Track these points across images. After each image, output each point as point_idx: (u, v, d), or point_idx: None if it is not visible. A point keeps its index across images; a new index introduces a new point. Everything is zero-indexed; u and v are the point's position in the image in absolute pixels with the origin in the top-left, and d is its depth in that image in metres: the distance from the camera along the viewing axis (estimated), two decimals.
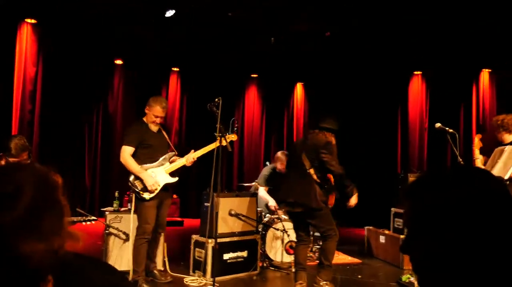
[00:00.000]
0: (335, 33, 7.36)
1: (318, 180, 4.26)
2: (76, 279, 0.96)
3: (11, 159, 3.54)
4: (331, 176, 4.47)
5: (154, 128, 4.56)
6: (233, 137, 4.85)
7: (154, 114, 4.49)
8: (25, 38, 6.91)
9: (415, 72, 8.87)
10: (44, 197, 0.84)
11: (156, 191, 4.39)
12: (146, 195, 4.34)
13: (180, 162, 4.60)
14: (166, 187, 4.53)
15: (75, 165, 8.20)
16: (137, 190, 4.35)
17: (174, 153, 4.66)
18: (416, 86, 8.90)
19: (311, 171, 4.28)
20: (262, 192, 5.97)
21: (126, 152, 4.40)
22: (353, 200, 4.35)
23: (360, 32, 7.29)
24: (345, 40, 7.68)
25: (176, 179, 4.59)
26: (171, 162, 4.60)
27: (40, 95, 7.24)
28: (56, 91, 7.55)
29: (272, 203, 5.77)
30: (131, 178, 4.39)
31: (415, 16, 6.54)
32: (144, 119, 4.58)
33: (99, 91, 8.58)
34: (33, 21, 6.94)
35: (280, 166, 5.96)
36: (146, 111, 4.54)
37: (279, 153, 6.15)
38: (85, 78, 8.14)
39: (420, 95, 8.82)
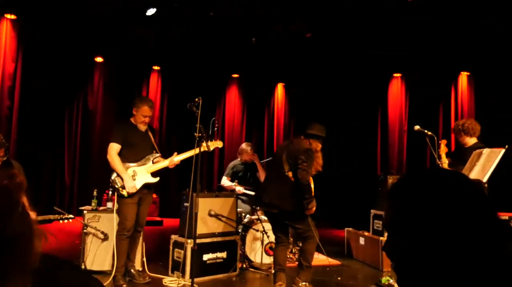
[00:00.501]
0: (315, 34, 7.42)
1: (295, 183, 4.28)
2: (44, 280, 0.94)
3: None
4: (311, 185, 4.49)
5: (143, 128, 4.64)
6: (218, 144, 4.91)
7: (143, 114, 4.57)
8: (4, 34, 6.79)
9: (395, 74, 8.99)
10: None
11: (135, 189, 4.45)
12: (125, 192, 4.39)
13: (163, 164, 4.67)
14: (149, 186, 4.59)
15: (54, 163, 8.08)
16: (116, 187, 4.41)
17: (158, 154, 4.70)
18: (396, 88, 9.01)
19: (289, 174, 4.30)
20: (224, 180, 6.23)
21: (113, 150, 4.48)
22: (309, 212, 4.34)
23: (341, 34, 7.37)
24: (325, 41, 7.76)
25: (157, 179, 4.66)
26: (154, 163, 4.64)
27: (19, 91, 7.12)
28: (35, 87, 7.43)
29: (239, 189, 6.02)
30: (113, 175, 4.46)
31: (394, 19, 6.64)
32: (132, 120, 4.63)
33: (79, 88, 8.47)
34: (12, 16, 6.83)
35: (245, 157, 6.21)
36: (134, 112, 4.61)
37: (243, 145, 6.38)
38: (65, 75, 8.03)
39: (400, 97, 8.94)
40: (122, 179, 4.42)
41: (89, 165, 8.41)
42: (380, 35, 7.28)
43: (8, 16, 6.79)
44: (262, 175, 6.38)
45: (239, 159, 6.39)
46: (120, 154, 4.52)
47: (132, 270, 4.65)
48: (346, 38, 7.55)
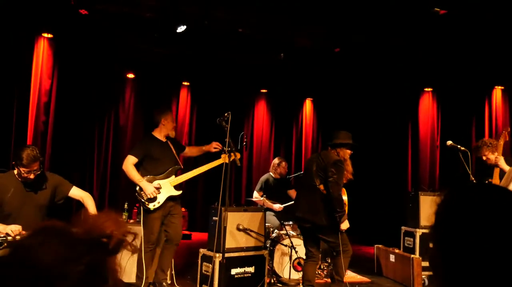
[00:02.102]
0: (344, 49, 7.40)
1: (327, 196, 4.24)
2: None
3: (22, 169, 3.58)
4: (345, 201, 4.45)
5: (173, 134, 4.83)
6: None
7: (173, 120, 4.78)
8: (42, 52, 7.05)
9: (426, 89, 8.84)
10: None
11: (159, 203, 4.48)
12: (151, 206, 4.44)
13: (185, 176, 4.77)
14: (174, 198, 4.63)
15: (85, 177, 8.25)
16: (142, 200, 4.44)
17: (180, 167, 4.75)
18: (427, 103, 8.85)
19: (321, 187, 4.27)
20: (256, 194, 6.31)
21: (129, 161, 4.56)
22: (343, 226, 4.28)
23: (370, 48, 7.32)
24: (354, 56, 7.72)
25: (180, 192, 4.72)
26: (177, 175, 4.71)
27: (54, 107, 7.34)
28: (70, 103, 7.65)
29: (279, 206, 6.16)
30: (137, 188, 4.51)
31: (425, 31, 6.55)
32: (156, 134, 4.70)
33: (110, 104, 8.67)
34: (49, 35, 7.09)
35: (282, 171, 6.39)
36: (164, 122, 4.71)
37: (277, 159, 6.52)
38: (98, 91, 8.25)
39: (431, 112, 8.77)
40: (141, 189, 4.46)
41: (120, 179, 8.55)
42: (410, 49, 7.20)
43: (45, 35, 7.06)
44: (292, 193, 6.45)
45: (271, 173, 6.41)
46: (143, 167, 4.59)
47: (164, 283, 4.66)
48: (375, 52, 7.50)
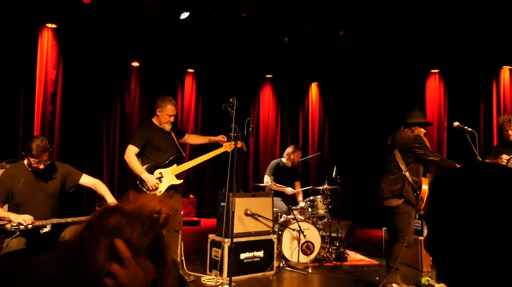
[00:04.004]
0: (349, 31, 7.33)
1: (411, 182, 4.27)
2: None
3: (32, 159, 3.62)
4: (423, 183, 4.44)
5: (168, 127, 4.68)
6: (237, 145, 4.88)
7: (168, 113, 4.60)
8: (46, 42, 7.06)
9: (432, 70, 8.76)
10: None
11: (160, 192, 4.49)
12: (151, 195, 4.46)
13: (187, 165, 4.78)
14: (174, 187, 4.66)
15: (93, 166, 8.32)
16: (144, 189, 4.45)
17: (181, 155, 4.77)
18: (434, 85, 8.78)
19: (407, 174, 4.29)
20: (267, 178, 6.38)
21: (131, 151, 4.54)
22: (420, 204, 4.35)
23: (375, 30, 7.24)
24: (359, 38, 7.64)
25: (181, 181, 4.73)
26: (178, 164, 4.70)
27: (61, 97, 7.38)
28: (76, 93, 7.68)
29: (291, 189, 6.31)
30: (139, 178, 4.51)
31: (431, 12, 6.47)
32: (155, 121, 4.67)
33: (116, 93, 8.69)
34: (53, 25, 7.10)
35: (297, 159, 6.51)
36: (158, 113, 4.64)
37: (292, 148, 6.63)
38: (103, 80, 8.26)
39: (438, 94, 8.70)
40: (143, 180, 4.45)
41: (128, 168, 8.61)
42: (416, 30, 7.11)
43: (49, 25, 7.06)
44: (297, 184, 6.52)
45: (284, 159, 6.50)
46: (145, 155, 4.58)
47: None
48: (380, 35, 7.41)
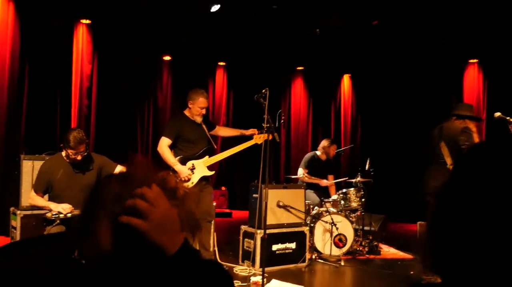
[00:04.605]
0: (383, 21, 7.16)
1: None
2: None
3: (69, 151, 3.72)
4: None
5: (199, 120, 4.74)
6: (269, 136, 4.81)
7: (200, 106, 4.68)
8: (81, 38, 7.23)
9: (471, 61, 8.47)
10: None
11: (192, 183, 4.55)
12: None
13: (218, 156, 4.83)
14: (206, 178, 4.72)
15: (127, 157, 8.49)
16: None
17: (213, 147, 4.81)
18: (472, 76, 8.50)
19: (448, 161, 4.18)
20: (300, 171, 6.34)
21: (163, 143, 4.63)
22: None
23: (410, 19, 7.04)
24: (393, 28, 7.45)
25: (213, 172, 4.80)
26: (210, 155, 4.76)
27: (96, 91, 7.56)
28: (110, 87, 7.85)
29: (324, 183, 6.33)
30: (171, 169, 4.57)
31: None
32: (187, 113, 4.74)
33: (149, 86, 8.82)
34: (87, 21, 7.26)
35: (332, 153, 6.51)
36: (190, 105, 4.71)
37: (327, 141, 6.58)
38: (136, 74, 8.39)
39: (477, 85, 8.41)
40: (176, 172, 4.51)
41: (161, 160, 8.74)
42: (453, 18, 6.88)
43: (84, 21, 7.23)
44: (331, 177, 6.49)
45: (318, 152, 6.51)
46: (177, 147, 4.66)
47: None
48: (415, 24, 7.21)
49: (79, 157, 3.76)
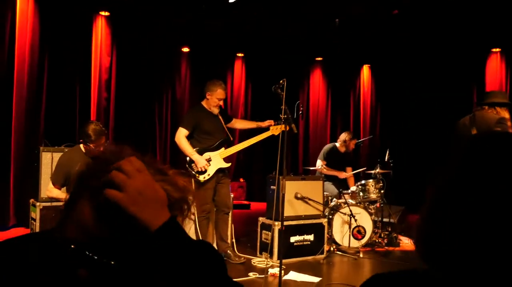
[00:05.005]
0: (403, 10, 7.01)
1: None
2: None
3: (90, 145, 3.72)
4: None
5: (216, 111, 4.76)
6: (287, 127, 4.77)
7: (218, 97, 4.70)
8: (100, 30, 7.28)
9: (493, 50, 8.26)
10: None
11: (209, 175, 4.59)
12: (201, 178, 4.55)
13: (235, 148, 4.86)
14: (223, 170, 4.75)
15: (146, 149, 8.56)
16: (193, 172, 4.52)
17: (229, 139, 4.81)
18: (494, 65, 8.29)
19: None
20: (319, 163, 6.30)
21: (181, 134, 4.66)
22: None
23: (430, 8, 6.88)
24: (413, 17, 7.29)
25: (229, 164, 4.81)
26: (227, 147, 4.79)
27: (115, 83, 7.62)
28: (129, 79, 7.89)
29: (342, 175, 6.31)
30: (188, 160, 4.62)
31: None
32: (204, 104, 4.75)
33: (167, 78, 8.85)
34: (106, 13, 7.30)
35: (352, 146, 6.47)
36: (208, 96, 4.73)
37: (347, 135, 6.52)
38: (154, 66, 8.42)
39: (499, 75, 8.21)
40: (192, 161, 4.56)
41: (179, 151, 8.79)
42: (474, 6, 6.70)
43: (102, 13, 7.27)
44: (349, 169, 6.43)
45: (337, 145, 6.48)
46: (194, 139, 4.68)
47: (228, 251, 4.78)
48: (435, 13, 7.04)
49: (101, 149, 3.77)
